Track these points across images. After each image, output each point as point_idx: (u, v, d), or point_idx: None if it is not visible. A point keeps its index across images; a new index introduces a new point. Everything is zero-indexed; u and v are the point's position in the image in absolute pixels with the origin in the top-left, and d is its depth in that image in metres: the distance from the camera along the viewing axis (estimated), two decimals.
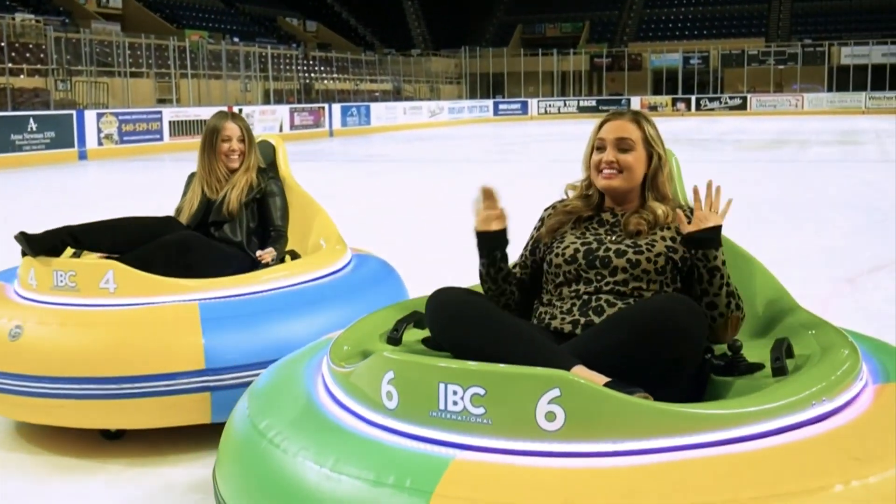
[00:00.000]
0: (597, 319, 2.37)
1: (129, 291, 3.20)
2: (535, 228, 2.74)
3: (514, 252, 2.85)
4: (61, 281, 3.23)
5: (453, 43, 46.62)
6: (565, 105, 42.58)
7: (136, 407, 3.04)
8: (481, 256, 2.64)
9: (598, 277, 2.45)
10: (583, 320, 2.39)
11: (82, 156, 19.23)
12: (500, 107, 41.64)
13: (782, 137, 22.94)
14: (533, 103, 42.25)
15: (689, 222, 2.49)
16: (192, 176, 4.05)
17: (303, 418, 2.05)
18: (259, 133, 19.79)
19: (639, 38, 49.51)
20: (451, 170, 16.12)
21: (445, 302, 2.26)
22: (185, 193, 4.00)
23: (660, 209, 2.53)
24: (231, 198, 3.79)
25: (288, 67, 32.01)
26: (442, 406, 1.85)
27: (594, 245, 2.50)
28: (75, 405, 3.05)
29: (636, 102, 41.71)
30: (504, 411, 1.79)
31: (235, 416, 2.23)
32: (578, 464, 1.74)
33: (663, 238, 2.49)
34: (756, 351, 2.32)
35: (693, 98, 41.56)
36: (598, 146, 2.63)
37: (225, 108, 28.33)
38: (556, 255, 2.53)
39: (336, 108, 29.23)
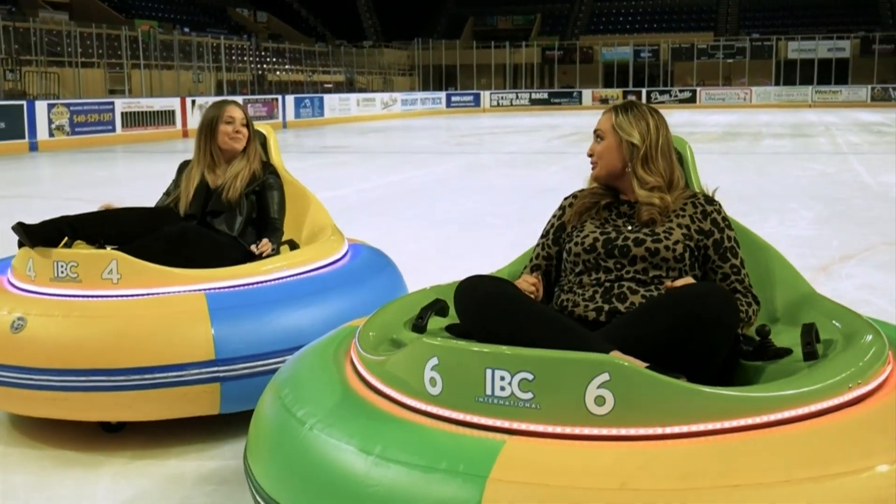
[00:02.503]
0: (621, 306, 2.40)
1: (133, 282, 3.17)
2: (554, 217, 2.76)
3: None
4: (62, 272, 3.19)
5: (405, 35, 46.51)
6: (517, 97, 42.75)
7: (144, 399, 3.01)
8: None
9: (618, 266, 2.48)
10: (606, 307, 2.42)
11: (33, 147, 18.88)
12: (453, 99, 41.66)
13: (734, 130, 23.26)
14: (485, 95, 42.34)
15: (700, 211, 2.56)
16: (183, 165, 4.01)
17: (342, 406, 2.05)
18: None
19: (590, 31, 49.84)
20: (409, 161, 16.10)
21: (476, 290, 2.27)
22: (176, 182, 3.96)
23: (654, 198, 2.56)
24: (235, 186, 3.76)
25: (240, 58, 31.70)
26: (489, 392, 1.86)
27: (612, 234, 2.53)
28: (81, 398, 3.01)
29: (587, 95, 42.05)
30: (553, 396, 1.81)
31: (267, 407, 2.21)
32: (629, 446, 1.77)
33: (679, 226, 2.53)
34: (779, 336, 2.37)
35: (644, 91, 41.92)
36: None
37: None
38: (576, 243, 2.56)
39: (290, 99, 29.03)
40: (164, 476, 2.99)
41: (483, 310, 2.23)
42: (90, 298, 3.15)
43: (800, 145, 18.10)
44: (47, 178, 14.67)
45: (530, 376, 1.83)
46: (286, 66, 34.74)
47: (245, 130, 3.90)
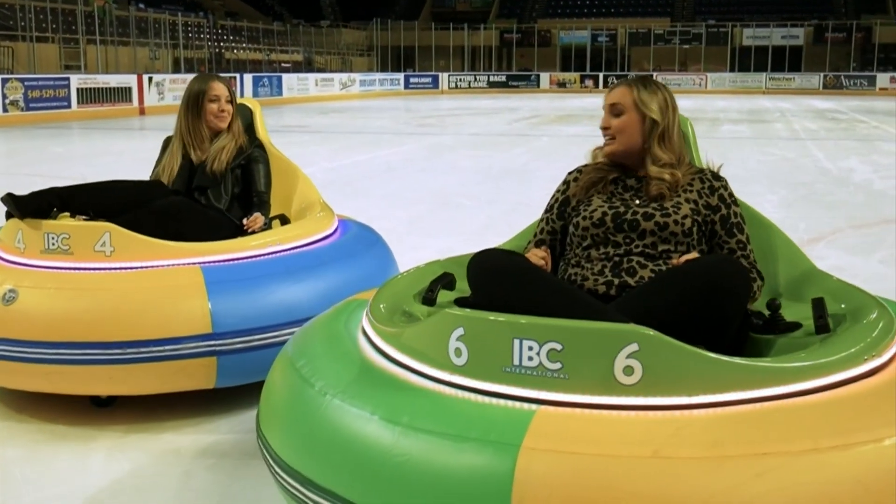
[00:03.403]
0: (630, 280, 2.42)
1: (126, 255, 3.13)
2: (558, 192, 2.77)
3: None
4: (53, 244, 3.13)
5: (363, 15, 46.18)
6: (476, 80, 42.76)
7: (140, 372, 2.98)
8: None
9: (627, 241, 2.50)
10: (616, 281, 2.43)
11: None
12: (411, 80, 41.55)
13: (692, 115, 23.31)
14: (444, 77, 42.28)
15: (708, 186, 2.59)
16: (167, 140, 3.96)
17: (362, 377, 2.04)
18: (170, 103, 19.38)
19: (548, 15, 49.87)
20: (372, 141, 16.04)
21: (490, 262, 2.27)
22: (160, 159, 3.91)
23: (665, 174, 2.58)
24: (221, 160, 3.72)
25: (198, 36, 31.29)
26: (516, 362, 1.87)
27: (621, 209, 2.54)
28: (76, 371, 2.97)
29: (545, 79, 42.18)
30: (582, 366, 1.82)
31: (282, 379, 2.20)
32: (658, 416, 1.78)
33: (687, 200, 2.56)
34: (785, 311, 2.40)
35: (601, 75, 42.15)
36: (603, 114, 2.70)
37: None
38: (584, 217, 2.57)
39: (248, 78, 28.75)
40: (161, 450, 2.96)
41: (498, 282, 2.22)
42: (83, 271, 3.10)
43: (758, 131, 18.32)
44: (3, 154, 14.38)
45: (559, 346, 1.84)
46: (244, 45, 34.36)
47: (229, 107, 3.86)
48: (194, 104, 3.83)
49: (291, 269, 3.24)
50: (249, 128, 4.07)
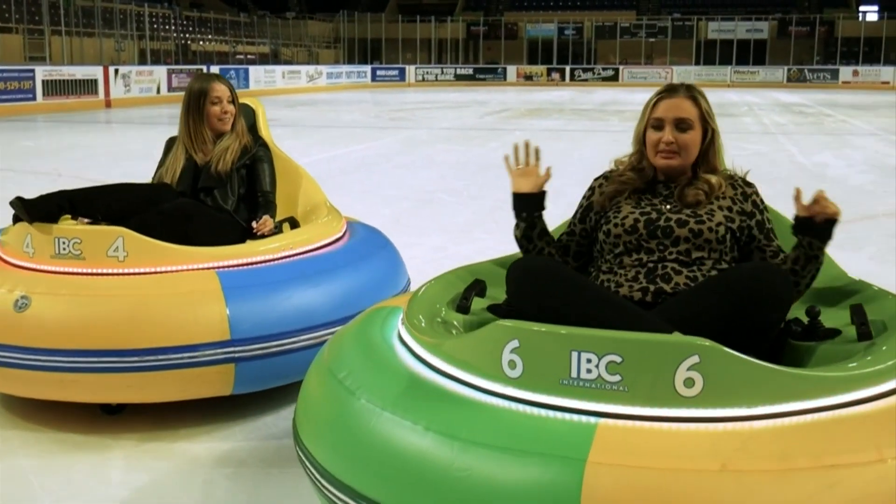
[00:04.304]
0: (666, 287, 2.41)
1: (140, 260, 3.06)
2: (584, 197, 2.75)
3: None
4: (64, 248, 3.07)
5: (329, 7, 45.97)
6: (442, 72, 42.70)
7: (158, 380, 2.93)
8: (517, 218, 2.67)
9: (661, 247, 2.49)
10: (652, 288, 2.42)
11: None
12: (378, 73, 41.41)
13: None
14: (410, 70, 42.19)
15: (740, 193, 2.58)
16: (170, 141, 3.90)
17: (411, 390, 2.01)
18: (137, 95, 19.10)
19: (514, 8, 49.92)
20: (345, 135, 15.95)
21: (532, 270, 2.25)
22: (163, 160, 3.85)
23: (713, 179, 2.58)
24: (226, 160, 3.67)
25: (164, 27, 30.94)
26: (574, 374, 1.85)
27: (654, 215, 2.53)
28: (92, 379, 2.91)
29: (512, 72, 42.22)
30: (642, 378, 1.81)
31: (325, 391, 2.15)
32: (721, 428, 1.77)
33: (720, 207, 2.55)
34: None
35: (568, 68, 42.29)
36: (654, 125, 2.62)
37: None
38: (615, 224, 2.55)
39: (214, 70, 28.41)
40: (178, 459, 2.91)
41: (542, 290, 2.20)
42: (95, 276, 3.04)
43: (728, 125, 18.42)
44: None
45: (619, 359, 1.82)
46: (210, 37, 34.03)
47: (232, 108, 3.81)
48: (195, 106, 3.77)
49: (307, 274, 3.19)
50: (252, 128, 4.02)
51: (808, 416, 1.80)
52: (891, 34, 42.64)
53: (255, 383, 3.10)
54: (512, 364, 1.91)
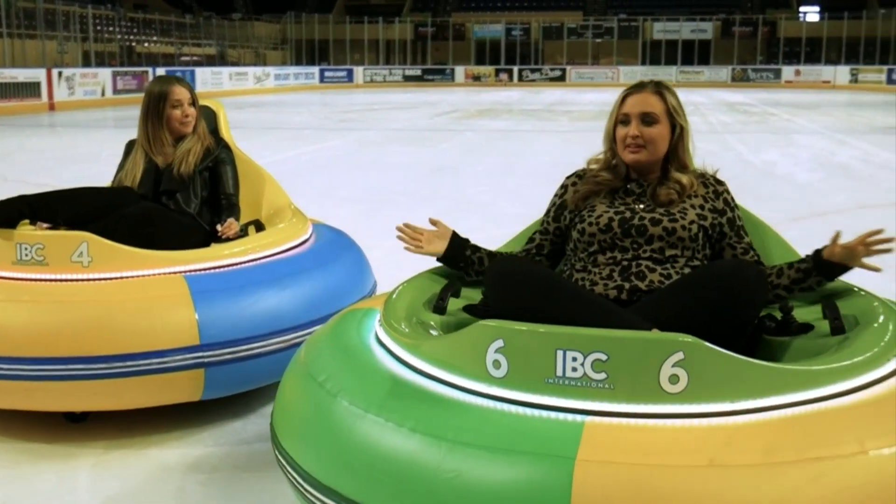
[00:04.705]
0: (641, 284, 2.43)
1: (105, 265, 3.01)
2: (556, 196, 2.76)
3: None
4: (26, 254, 3.00)
5: (276, 7, 45.66)
6: (391, 73, 42.66)
7: (126, 387, 2.88)
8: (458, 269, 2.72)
9: (635, 246, 2.51)
10: (627, 285, 2.44)
11: None
12: (326, 74, 41.24)
13: (608, 109, 23.73)
14: (359, 71, 42.08)
15: (712, 191, 2.61)
16: (130, 144, 3.83)
17: (395, 391, 1.99)
18: (81, 98, 18.86)
19: (462, 9, 50.03)
20: (296, 137, 15.86)
21: (509, 271, 2.26)
22: (122, 163, 3.78)
23: (684, 178, 2.61)
24: (188, 162, 3.62)
25: (108, 29, 30.49)
26: (559, 373, 1.85)
27: (627, 214, 2.55)
28: (58, 387, 2.85)
29: (460, 73, 42.32)
30: (628, 376, 1.82)
31: (305, 395, 2.13)
32: (706, 423, 1.79)
33: (693, 206, 2.58)
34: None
35: (515, 69, 42.51)
36: (621, 120, 2.66)
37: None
38: (590, 223, 2.56)
39: (160, 72, 28.11)
40: (148, 467, 2.87)
41: (519, 290, 2.21)
42: (60, 282, 2.98)
43: None
44: None
45: (604, 357, 1.83)
46: (154, 38, 33.62)
47: (193, 111, 3.75)
48: (155, 110, 3.71)
49: (276, 277, 3.17)
50: (214, 130, 3.97)
51: (791, 410, 1.82)
52: (831, 34, 43.48)
53: (224, 388, 3.06)
54: (497, 364, 1.91)
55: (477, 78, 42.30)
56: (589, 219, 2.58)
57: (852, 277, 2.53)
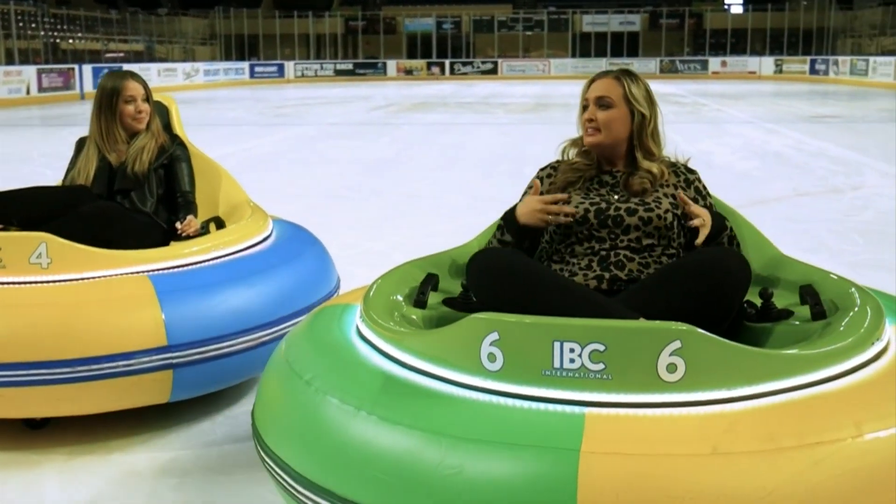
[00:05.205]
0: (620, 273, 2.43)
1: (65, 266, 2.91)
2: (529, 188, 2.74)
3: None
4: None
5: (203, 2, 44.97)
6: (322, 68, 42.32)
7: (91, 391, 2.79)
8: (508, 238, 2.60)
9: (612, 236, 2.50)
10: (607, 275, 2.44)
11: None
12: (257, 69, 40.72)
13: (544, 101, 23.94)
14: (290, 66, 41.65)
15: (683, 179, 2.62)
16: (80, 142, 3.73)
17: (386, 389, 1.96)
18: (5, 96, 18.38)
19: (392, 2, 49.79)
20: (233, 133, 15.64)
21: (492, 263, 2.24)
22: (73, 162, 3.68)
23: (654, 167, 2.61)
24: (142, 159, 3.53)
25: (31, 26, 29.72)
26: (557, 364, 1.84)
27: (603, 205, 2.54)
28: (19, 393, 2.75)
29: (392, 66, 42.18)
30: (626, 366, 1.81)
31: (290, 395, 2.08)
32: (706, 411, 1.79)
33: (666, 195, 2.58)
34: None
35: (447, 62, 42.50)
36: (583, 105, 2.68)
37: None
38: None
39: (87, 69, 27.49)
40: (116, 472, 2.79)
41: (505, 281, 2.19)
42: (18, 286, 2.87)
43: None
44: None
45: (602, 347, 1.82)
46: (80, 35, 32.87)
47: (147, 106, 3.66)
48: (108, 105, 3.61)
49: (242, 275, 3.10)
50: (167, 127, 3.88)
51: (787, 395, 1.83)
52: (756, 26, 44.35)
53: (192, 389, 3.00)
54: (492, 357, 1.89)
55: (409, 72, 42.21)
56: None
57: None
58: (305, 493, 1.95)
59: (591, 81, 2.70)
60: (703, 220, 2.44)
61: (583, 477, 1.68)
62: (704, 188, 2.68)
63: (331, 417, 1.95)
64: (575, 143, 2.73)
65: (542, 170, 2.77)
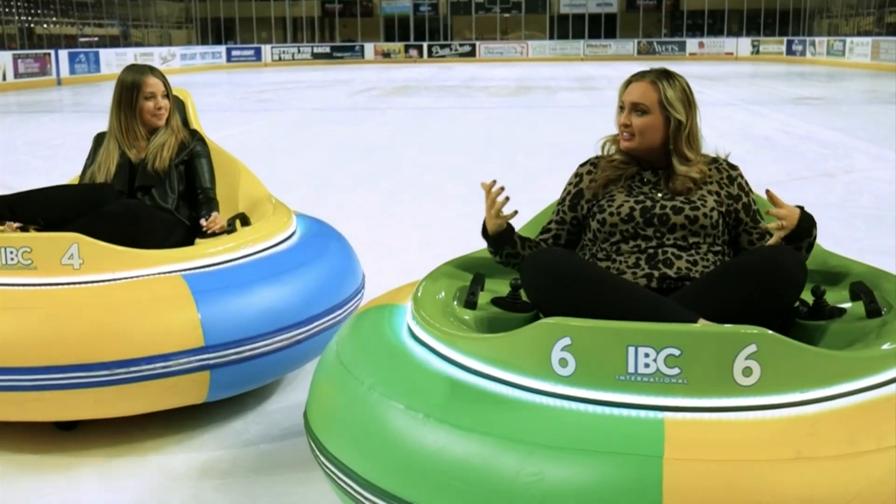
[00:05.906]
0: (669, 272, 2.42)
1: (97, 267, 2.87)
2: (571, 185, 2.72)
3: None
4: (12, 258, 2.84)
5: None
6: (299, 51, 42.07)
7: (129, 393, 2.76)
8: (492, 250, 2.63)
9: (658, 234, 2.49)
10: (656, 273, 2.43)
11: None
12: (234, 53, 40.46)
13: (525, 84, 23.88)
14: (266, 49, 41.38)
15: (726, 176, 2.61)
16: (99, 137, 3.67)
17: (453, 395, 1.95)
18: None
19: None
20: (216, 119, 15.44)
21: (547, 264, 2.23)
22: (92, 157, 3.62)
23: (692, 172, 2.58)
24: (163, 157, 3.48)
25: (5, 10, 29.29)
26: (631, 369, 1.83)
27: (648, 203, 2.53)
28: (58, 396, 2.71)
29: (370, 49, 41.99)
30: (702, 370, 1.81)
31: (352, 401, 2.05)
32: (784, 415, 1.79)
33: (710, 192, 2.57)
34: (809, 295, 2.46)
35: (425, 45, 42.35)
36: (620, 106, 2.66)
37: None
38: (611, 213, 2.54)
39: (63, 54, 27.20)
40: (155, 475, 2.76)
41: (560, 284, 2.19)
42: (51, 287, 2.83)
43: (594, 98, 18.83)
44: None
45: (677, 352, 1.81)
46: (55, 19, 32.44)
47: (166, 102, 3.61)
48: (128, 101, 3.56)
49: (273, 273, 3.07)
50: (185, 122, 3.84)
51: (862, 396, 1.84)
52: (733, 7, 44.41)
53: (229, 389, 2.97)
54: (563, 362, 1.88)
55: (387, 55, 42.03)
56: (609, 209, 2.56)
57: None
58: (372, 499, 1.94)
59: (628, 83, 2.65)
60: (782, 223, 2.41)
61: (668, 485, 1.67)
62: (747, 184, 2.67)
63: (398, 425, 1.93)
64: (615, 140, 2.71)
65: (581, 166, 2.75)
